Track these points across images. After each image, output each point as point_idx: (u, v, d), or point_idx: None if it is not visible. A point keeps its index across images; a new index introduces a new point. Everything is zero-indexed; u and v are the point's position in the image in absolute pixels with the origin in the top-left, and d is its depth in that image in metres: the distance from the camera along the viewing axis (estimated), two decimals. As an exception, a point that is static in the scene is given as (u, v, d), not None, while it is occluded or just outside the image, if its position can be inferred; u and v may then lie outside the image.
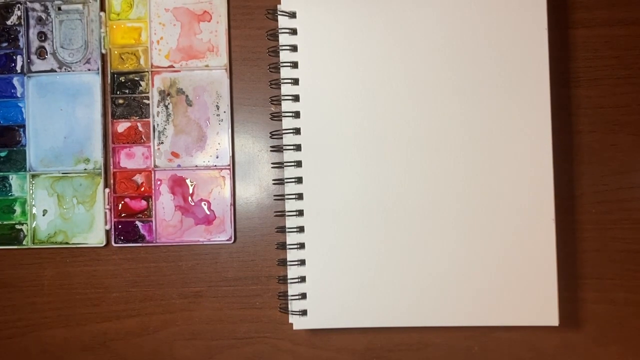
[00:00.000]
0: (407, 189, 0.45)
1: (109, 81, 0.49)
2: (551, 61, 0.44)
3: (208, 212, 0.48)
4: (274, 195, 0.47)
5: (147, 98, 0.49)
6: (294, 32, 0.46)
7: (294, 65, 0.46)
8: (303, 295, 0.45)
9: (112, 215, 0.48)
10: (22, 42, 0.49)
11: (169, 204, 0.48)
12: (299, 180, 0.45)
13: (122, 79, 0.49)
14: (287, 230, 0.45)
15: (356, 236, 0.45)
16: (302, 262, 0.45)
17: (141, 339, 0.49)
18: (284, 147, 0.46)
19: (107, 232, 0.49)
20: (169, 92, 0.48)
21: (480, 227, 0.45)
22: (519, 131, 0.45)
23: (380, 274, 0.45)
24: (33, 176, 0.49)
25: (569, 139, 0.47)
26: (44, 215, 0.49)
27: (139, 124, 0.49)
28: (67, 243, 0.49)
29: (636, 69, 0.47)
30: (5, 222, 0.49)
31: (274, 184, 0.47)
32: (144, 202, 0.48)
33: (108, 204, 0.48)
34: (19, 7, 0.49)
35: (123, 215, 0.49)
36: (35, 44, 0.49)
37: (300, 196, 0.45)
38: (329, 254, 0.45)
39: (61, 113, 0.49)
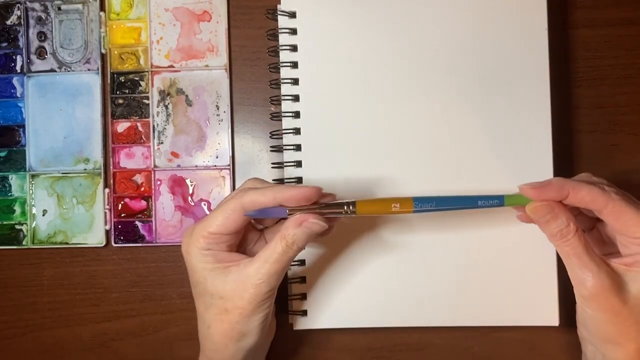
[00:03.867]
0: (408, 190, 0.45)
1: (108, 81, 0.49)
2: (551, 61, 0.44)
3: (208, 212, 0.48)
4: (274, 195, 0.47)
5: (147, 98, 0.49)
6: (294, 32, 0.46)
7: (294, 65, 0.46)
8: (303, 296, 0.45)
9: (112, 215, 0.48)
10: (21, 42, 0.49)
11: (169, 204, 0.48)
12: (299, 180, 0.45)
13: (122, 79, 0.49)
14: (287, 230, 0.45)
15: (356, 236, 0.45)
16: (302, 262, 0.45)
17: (141, 339, 0.49)
18: (284, 147, 0.46)
19: (107, 232, 0.48)
20: (168, 92, 0.48)
21: (481, 227, 0.45)
22: (519, 131, 0.45)
23: (380, 274, 0.45)
24: (33, 176, 0.49)
25: (569, 139, 0.47)
26: (43, 215, 0.49)
27: (138, 124, 0.49)
28: (67, 243, 0.49)
29: (636, 69, 0.47)
30: (5, 222, 0.49)
31: (274, 184, 0.47)
32: (143, 202, 0.48)
33: (108, 204, 0.48)
34: (18, 7, 0.49)
35: (123, 215, 0.48)
36: (35, 43, 0.49)
37: (300, 196, 0.45)
38: (329, 254, 0.45)
39: (61, 113, 0.49)
